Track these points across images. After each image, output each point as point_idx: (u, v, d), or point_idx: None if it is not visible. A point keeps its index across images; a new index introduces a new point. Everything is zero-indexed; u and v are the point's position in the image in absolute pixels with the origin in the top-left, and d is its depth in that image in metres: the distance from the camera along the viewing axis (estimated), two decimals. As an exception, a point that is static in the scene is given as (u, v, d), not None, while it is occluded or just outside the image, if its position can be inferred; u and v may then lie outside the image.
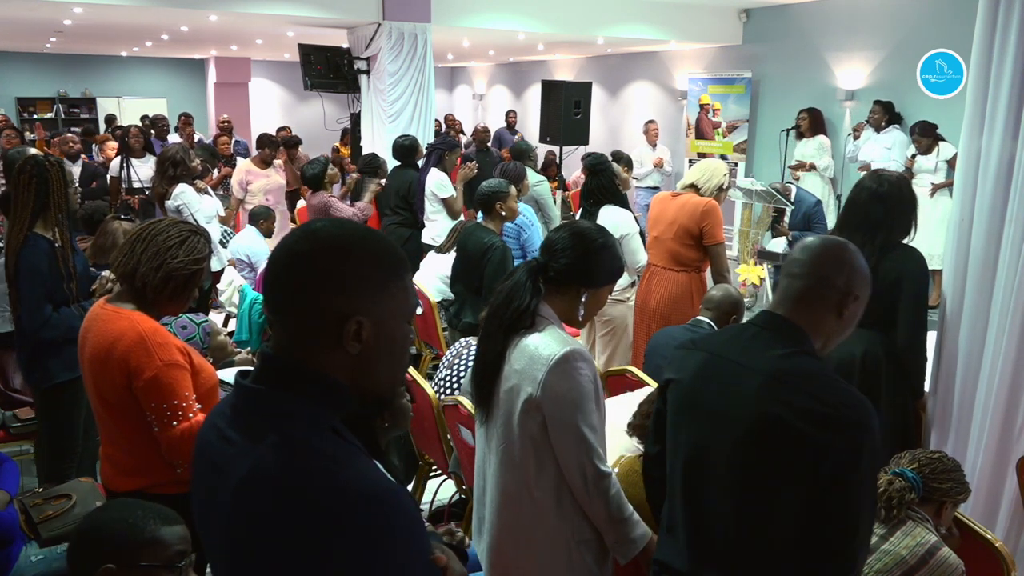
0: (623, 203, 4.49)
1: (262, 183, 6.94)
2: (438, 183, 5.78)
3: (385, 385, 1.16)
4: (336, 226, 1.12)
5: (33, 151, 3.25)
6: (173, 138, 9.96)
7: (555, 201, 6.22)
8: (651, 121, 9.90)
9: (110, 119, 12.65)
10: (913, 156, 7.09)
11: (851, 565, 1.58)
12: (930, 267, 6.99)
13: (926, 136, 6.96)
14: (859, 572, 1.63)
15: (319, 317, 1.07)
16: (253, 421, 1.09)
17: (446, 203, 5.78)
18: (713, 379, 1.68)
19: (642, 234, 4.48)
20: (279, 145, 7.85)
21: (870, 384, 2.92)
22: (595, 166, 4.53)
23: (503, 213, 4.23)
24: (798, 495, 1.55)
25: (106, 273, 3.28)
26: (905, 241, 2.94)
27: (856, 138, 8.00)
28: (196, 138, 10.58)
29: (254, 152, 8.34)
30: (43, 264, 3.02)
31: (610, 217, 4.25)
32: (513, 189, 4.32)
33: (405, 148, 6.30)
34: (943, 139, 6.92)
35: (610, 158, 6.95)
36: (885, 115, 7.57)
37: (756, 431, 1.57)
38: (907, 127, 7.62)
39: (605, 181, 4.44)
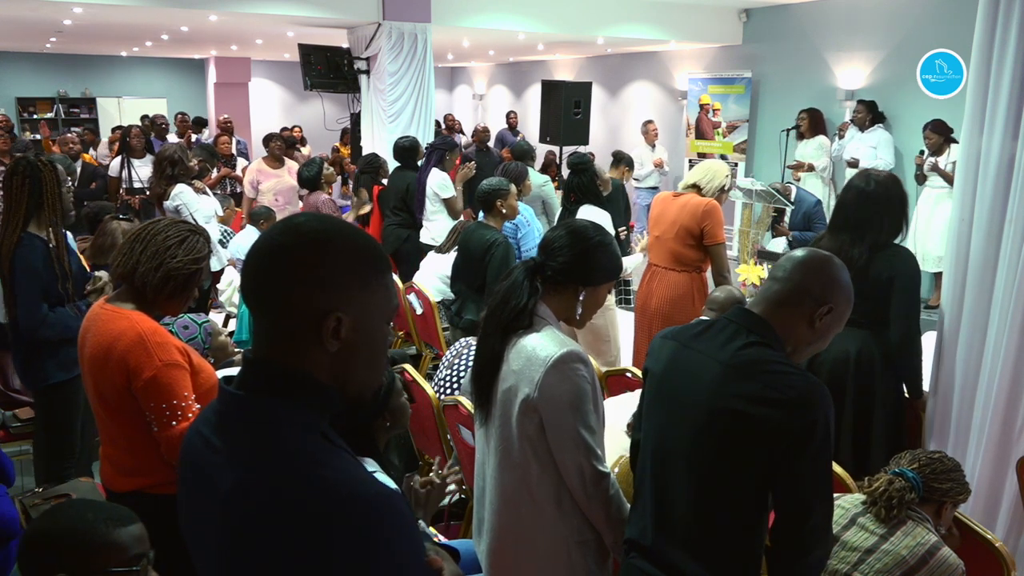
0: (602, 204, 4.58)
1: (272, 183, 6.94)
2: (440, 183, 5.78)
3: (364, 385, 1.13)
4: (318, 220, 1.10)
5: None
6: (172, 138, 9.95)
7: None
8: (649, 121, 9.90)
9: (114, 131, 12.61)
10: (922, 153, 7.04)
11: (801, 552, 1.63)
12: (936, 269, 7.00)
13: (937, 133, 6.83)
14: (816, 566, 1.67)
15: (298, 312, 1.05)
16: (239, 428, 1.07)
17: (447, 203, 5.77)
18: (679, 368, 1.75)
19: (624, 238, 4.54)
20: (293, 143, 7.78)
21: (864, 383, 2.93)
22: (577, 164, 4.61)
23: (503, 211, 4.24)
24: (751, 479, 1.63)
25: (100, 273, 3.29)
26: (897, 240, 2.94)
27: (841, 137, 8.05)
28: (192, 138, 10.56)
29: (254, 153, 8.34)
30: (38, 263, 3.02)
31: (588, 217, 4.28)
32: (513, 188, 4.34)
33: (405, 149, 6.30)
34: (956, 141, 6.85)
35: (612, 158, 7.00)
36: (869, 114, 7.60)
37: (711, 418, 1.65)
38: (890, 126, 7.64)
39: (586, 180, 4.53)
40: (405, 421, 2.28)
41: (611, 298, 4.61)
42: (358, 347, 1.09)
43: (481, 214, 4.42)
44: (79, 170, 7.63)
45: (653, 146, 9.78)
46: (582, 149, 7.94)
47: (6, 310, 3.12)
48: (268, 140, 7.47)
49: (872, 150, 7.42)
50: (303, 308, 1.05)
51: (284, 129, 11.71)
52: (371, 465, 2.03)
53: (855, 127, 7.75)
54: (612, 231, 4.40)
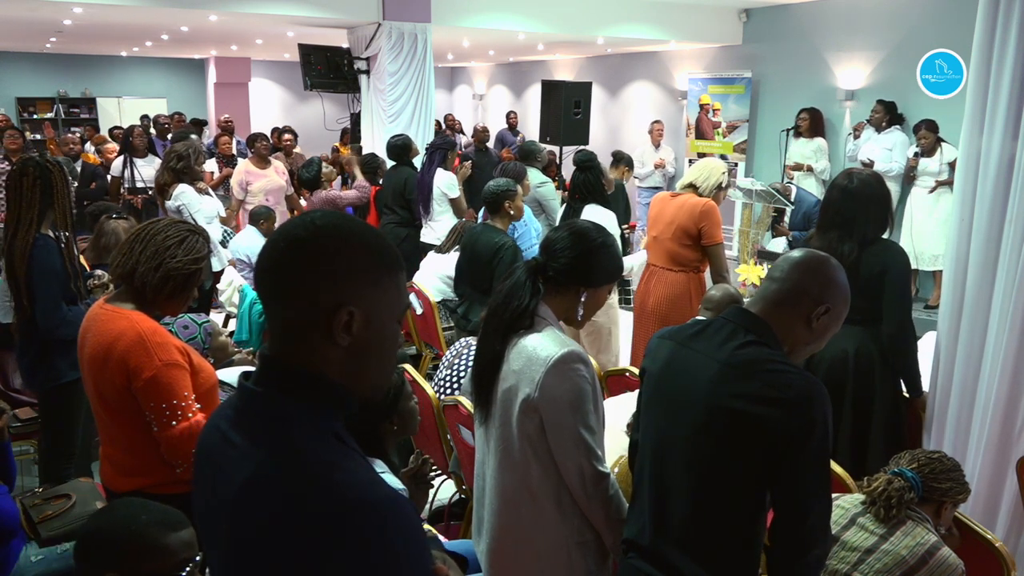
0: (607, 203, 4.56)
1: (262, 183, 6.94)
2: (448, 183, 5.78)
3: (373, 384, 1.14)
4: (336, 217, 1.12)
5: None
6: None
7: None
8: (656, 121, 9.89)
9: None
10: (916, 155, 7.05)
11: (800, 551, 1.64)
12: (932, 267, 7.00)
13: (931, 132, 6.88)
14: (815, 565, 1.67)
15: (310, 305, 1.06)
16: (255, 424, 1.09)
17: (454, 203, 5.78)
18: (677, 367, 1.76)
19: (627, 237, 4.52)
20: (282, 142, 7.77)
21: (863, 382, 2.93)
22: (583, 162, 4.60)
23: (511, 212, 4.24)
24: (750, 479, 1.63)
25: (99, 272, 3.30)
26: (884, 236, 2.96)
27: (856, 137, 7.96)
28: None
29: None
30: (56, 263, 3.04)
31: (593, 216, 4.28)
32: (519, 188, 4.35)
33: (399, 147, 6.30)
34: (945, 141, 6.89)
35: (612, 158, 7.00)
36: (887, 115, 7.49)
37: (709, 417, 1.65)
38: (908, 128, 7.60)
39: (592, 178, 4.51)
40: (414, 426, 2.28)
41: (614, 297, 4.61)
42: (369, 344, 1.10)
43: (482, 214, 4.42)
44: (79, 170, 7.64)
45: (658, 146, 9.77)
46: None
47: (16, 311, 3.12)
48: (253, 140, 7.45)
49: (887, 152, 7.33)
50: (315, 300, 1.06)
51: (275, 129, 11.66)
52: (379, 467, 2.04)
53: (871, 127, 7.64)
54: (617, 231, 4.41)
